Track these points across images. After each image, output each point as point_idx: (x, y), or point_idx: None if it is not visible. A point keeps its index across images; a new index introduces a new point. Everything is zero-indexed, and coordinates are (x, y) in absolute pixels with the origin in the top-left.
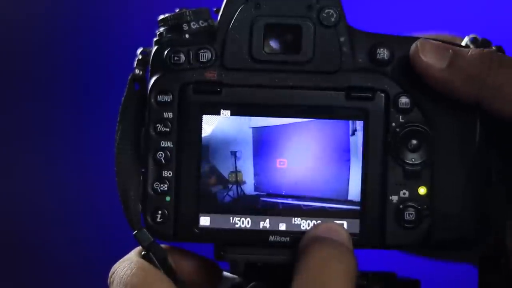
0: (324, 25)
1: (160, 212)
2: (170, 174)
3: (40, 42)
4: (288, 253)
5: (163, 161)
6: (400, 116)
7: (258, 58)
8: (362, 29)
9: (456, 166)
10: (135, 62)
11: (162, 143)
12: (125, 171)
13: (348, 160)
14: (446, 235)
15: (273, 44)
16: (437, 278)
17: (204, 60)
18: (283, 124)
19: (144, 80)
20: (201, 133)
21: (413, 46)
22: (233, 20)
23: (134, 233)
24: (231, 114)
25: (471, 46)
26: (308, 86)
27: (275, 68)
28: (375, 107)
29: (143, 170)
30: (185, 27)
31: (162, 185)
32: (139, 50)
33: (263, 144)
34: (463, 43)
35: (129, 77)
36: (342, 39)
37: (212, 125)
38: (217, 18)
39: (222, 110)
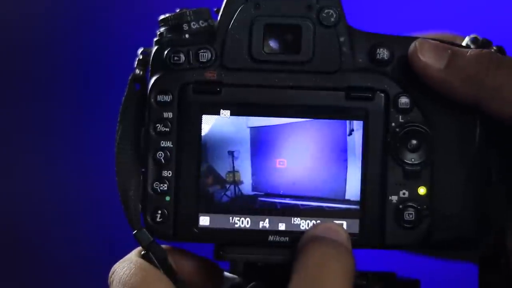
0: (324, 25)
1: (159, 212)
2: (170, 174)
3: (40, 42)
4: (288, 253)
5: (163, 161)
6: (400, 116)
7: (258, 58)
8: (362, 29)
9: (456, 166)
10: (136, 62)
11: (162, 143)
12: (125, 171)
13: (346, 160)
14: (446, 235)
15: (273, 44)
16: (437, 278)
17: (204, 60)
18: (280, 124)
19: (145, 80)
20: (201, 133)
21: (412, 45)
22: (233, 20)
23: (134, 233)
24: (231, 114)
25: (472, 46)
26: (308, 86)
27: (275, 68)
28: (375, 107)
29: (143, 170)
30: (185, 27)
31: (162, 185)
32: (140, 50)
33: (261, 144)
34: (463, 43)
35: (130, 77)
36: (342, 39)
37: (211, 125)
38: (217, 18)
39: (222, 110)
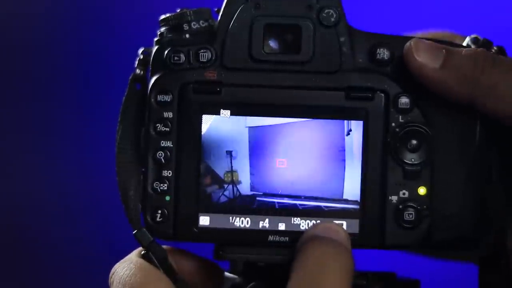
0: (324, 25)
1: (159, 211)
2: (170, 173)
3: (40, 42)
4: (288, 252)
5: (163, 160)
6: (400, 116)
7: (258, 58)
8: (362, 29)
9: (456, 166)
10: (136, 62)
11: (162, 143)
12: (125, 171)
13: (344, 160)
14: (446, 235)
15: (273, 44)
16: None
17: (204, 60)
18: (279, 124)
19: (145, 80)
20: (201, 133)
21: (407, 45)
22: (233, 20)
23: (134, 232)
24: (231, 114)
25: (473, 46)
26: (308, 86)
27: (275, 68)
28: (375, 107)
29: (143, 169)
30: (186, 27)
31: (162, 184)
32: (140, 50)
33: (259, 143)
34: (464, 43)
35: (130, 77)
36: (342, 39)
37: (209, 124)
38: (218, 18)
39: (222, 110)
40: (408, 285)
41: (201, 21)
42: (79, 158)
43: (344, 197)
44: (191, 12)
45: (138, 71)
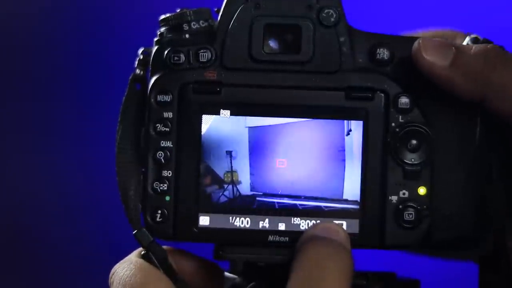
0: (324, 25)
1: (159, 211)
2: (169, 173)
3: (40, 42)
4: (288, 252)
5: (162, 160)
6: (400, 116)
7: (258, 58)
8: (362, 29)
9: (456, 166)
10: (136, 62)
11: (162, 143)
12: (125, 171)
13: (343, 160)
14: (446, 235)
15: (273, 44)
16: (437, 278)
17: (204, 60)
18: (279, 124)
19: (145, 80)
20: (200, 133)
21: (415, 44)
22: (233, 20)
23: (134, 232)
24: (231, 114)
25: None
26: (308, 86)
27: (275, 68)
28: (375, 107)
29: (143, 169)
30: (186, 27)
31: (161, 184)
32: (140, 50)
33: (259, 143)
34: (464, 43)
35: (130, 77)
36: (342, 39)
37: (209, 124)
38: (218, 18)
39: (221, 110)
40: (408, 285)
41: (201, 21)
42: (79, 158)
43: (344, 197)
44: (191, 12)
45: (138, 71)
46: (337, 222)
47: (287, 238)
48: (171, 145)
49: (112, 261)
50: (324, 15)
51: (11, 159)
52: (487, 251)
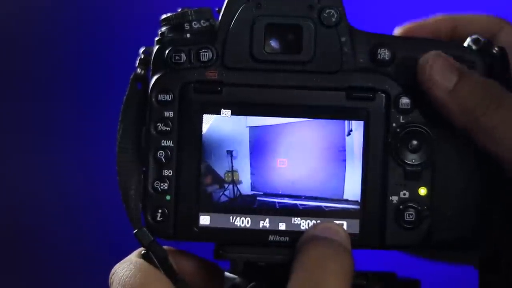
0: (325, 25)
1: (160, 211)
2: (170, 173)
3: (41, 41)
4: (288, 252)
5: (163, 160)
6: (401, 117)
7: (259, 58)
8: (363, 29)
9: (457, 167)
10: (137, 62)
11: (163, 142)
12: (126, 170)
13: (344, 160)
14: (446, 236)
15: (274, 44)
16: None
17: (205, 60)
18: (279, 124)
19: (146, 79)
20: (201, 133)
21: (424, 58)
22: (234, 20)
23: (134, 232)
24: (232, 114)
25: (474, 47)
26: (309, 86)
27: (276, 68)
28: (376, 107)
29: (144, 169)
30: (187, 26)
31: (162, 184)
32: (142, 50)
33: (260, 143)
34: (465, 44)
35: (131, 77)
36: (343, 39)
37: (210, 124)
38: (219, 17)
39: (222, 109)
40: (408, 285)
41: (202, 21)
42: (80, 157)
43: (345, 197)
44: (192, 11)
45: (139, 70)
46: (337, 222)
47: (287, 238)
48: (172, 145)
49: (112, 261)
50: (325, 15)
51: (11, 159)
52: (487, 252)
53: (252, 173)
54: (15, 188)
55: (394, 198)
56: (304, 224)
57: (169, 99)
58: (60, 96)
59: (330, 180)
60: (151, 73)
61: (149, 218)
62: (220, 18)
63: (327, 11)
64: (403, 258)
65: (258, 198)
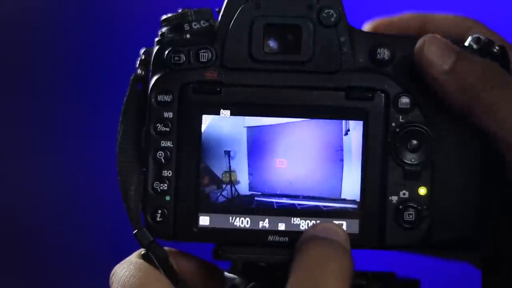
0: (324, 25)
1: (160, 211)
2: (170, 173)
3: (40, 41)
4: (287, 253)
5: (163, 160)
6: (400, 116)
7: (258, 58)
8: (363, 29)
9: (456, 167)
10: (138, 62)
11: (162, 143)
12: (126, 171)
13: (341, 160)
14: (446, 236)
15: (273, 44)
16: (437, 278)
17: (204, 60)
18: (277, 124)
19: (146, 80)
20: (201, 133)
21: (421, 40)
22: (233, 20)
23: (134, 232)
24: (231, 114)
25: (474, 46)
26: (308, 86)
27: (275, 68)
28: (375, 107)
29: (143, 169)
30: (187, 27)
31: (162, 184)
32: (142, 50)
33: (257, 143)
34: (466, 44)
35: (132, 77)
36: (342, 39)
37: (209, 124)
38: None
39: (222, 110)
40: (408, 285)
41: (202, 21)
42: (80, 158)
43: (342, 196)
44: (192, 12)
45: (139, 71)
46: (337, 222)
47: (286, 238)
48: (171, 145)
49: (112, 261)
50: (324, 15)
51: (11, 159)
52: (487, 252)
53: (250, 173)
54: (15, 188)
55: (394, 198)
56: (303, 224)
57: (169, 100)
58: (60, 96)
59: (327, 179)
60: (150, 73)
61: (149, 219)
62: (219, 18)
63: (326, 11)
64: (402, 258)
65: (256, 198)
